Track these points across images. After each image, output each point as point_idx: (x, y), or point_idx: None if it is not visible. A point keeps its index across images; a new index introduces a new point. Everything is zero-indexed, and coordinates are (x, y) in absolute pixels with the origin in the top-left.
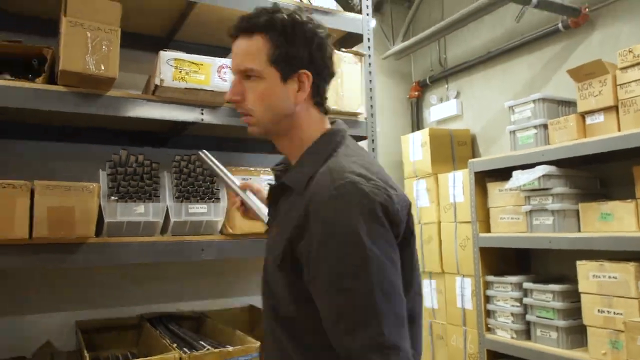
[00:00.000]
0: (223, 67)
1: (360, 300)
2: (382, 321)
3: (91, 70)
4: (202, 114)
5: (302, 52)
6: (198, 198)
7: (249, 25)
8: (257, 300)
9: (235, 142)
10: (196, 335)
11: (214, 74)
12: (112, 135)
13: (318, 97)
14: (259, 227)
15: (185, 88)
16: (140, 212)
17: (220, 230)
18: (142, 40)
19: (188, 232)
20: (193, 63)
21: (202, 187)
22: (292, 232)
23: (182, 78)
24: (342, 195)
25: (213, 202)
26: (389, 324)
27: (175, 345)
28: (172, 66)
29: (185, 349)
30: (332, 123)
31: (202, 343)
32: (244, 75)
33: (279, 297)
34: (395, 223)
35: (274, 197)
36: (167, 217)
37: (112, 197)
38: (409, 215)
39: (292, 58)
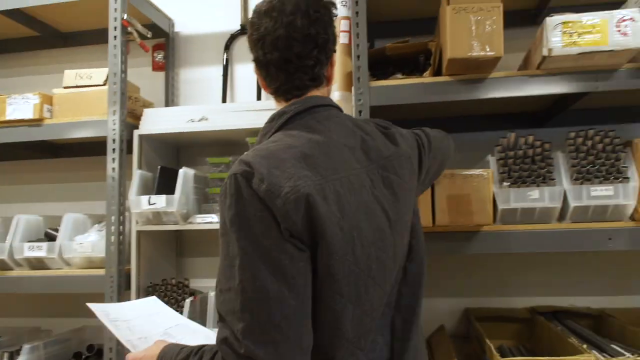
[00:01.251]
0: (624, 20)
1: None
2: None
3: (476, 53)
4: (597, 81)
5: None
6: (601, 178)
7: None
8: None
9: (637, 110)
10: (599, 335)
11: (613, 29)
12: (489, 121)
13: (269, 88)
14: None
15: (579, 53)
16: (535, 197)
17: (631, 216)
18: (508, 16)
19: (591, 218)
20: (586, 23)
21: (606, 166)
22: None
23: (573, 42)
24: (228, 186)
25: (620, 182)
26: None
27: (585, 346)
28: (561, 31)
29: (594, 351)
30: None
31: (614, 347)
32: None
33: None
34: (281, 215)
35: None
36: (565, 201)
37: (504, 183)
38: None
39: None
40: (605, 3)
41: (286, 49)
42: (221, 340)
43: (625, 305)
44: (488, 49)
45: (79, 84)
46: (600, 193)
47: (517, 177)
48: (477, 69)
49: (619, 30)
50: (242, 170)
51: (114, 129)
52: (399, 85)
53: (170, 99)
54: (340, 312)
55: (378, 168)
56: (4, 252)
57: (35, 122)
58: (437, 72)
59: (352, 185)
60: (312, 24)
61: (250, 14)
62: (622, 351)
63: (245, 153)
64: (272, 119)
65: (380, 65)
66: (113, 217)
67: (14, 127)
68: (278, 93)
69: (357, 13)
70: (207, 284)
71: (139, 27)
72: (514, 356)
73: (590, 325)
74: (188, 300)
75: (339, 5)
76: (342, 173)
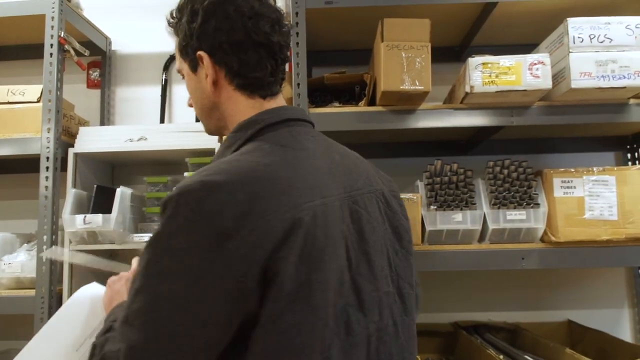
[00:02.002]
0: (535, 64)
1: None
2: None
3: (407, 87)
4: (512, 116)
5: (190, 30)
6: (515, 204)
7: (170, 27)
8: (575, 315)
9: (548, 143)
10: (514, 347)
11: (525, 72)
12: (418, 148)
13: (239, 78)
14: (588, 234)
15: (497, 91)
16: (459, 220)
17: (541, 238)
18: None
19: (506, 240)
20: (503, 65)
21: (519, 193)
22: None
23: (492, 82)
24: (166, 205)
25: (532, 207)
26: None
27: (501, 357)
28: (480, 71)
29: None
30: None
31: (527, 357)
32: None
33: None
34: (239, 249)
35: None
36: (484, 224)
37: (432, 206)
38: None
39: (185, 42)
40: (521, 45)
41: (282, 35)
42: None
43: (537, 319)
44: (417, 84)
45: (10, 100)
46: (515, 217)
47: (443, 201)
48: (407, 101)
49: (531, 73)
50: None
51: (47, 147)
52: (336, 113)
53: (105, 117)
54: None
55: (349, 198)
56: None
57: None
58: (371, 102)
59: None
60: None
61: None
62: None
63: (206, 167)
64: (240, 129)
65: (319, 93)
66: (45, 237)
67: None
68: (255, 86)
69: (297, 43)
70: None
71: (76, 44)
72: None
73: (507, 338)
74: None
75: None
76: (317, 200)
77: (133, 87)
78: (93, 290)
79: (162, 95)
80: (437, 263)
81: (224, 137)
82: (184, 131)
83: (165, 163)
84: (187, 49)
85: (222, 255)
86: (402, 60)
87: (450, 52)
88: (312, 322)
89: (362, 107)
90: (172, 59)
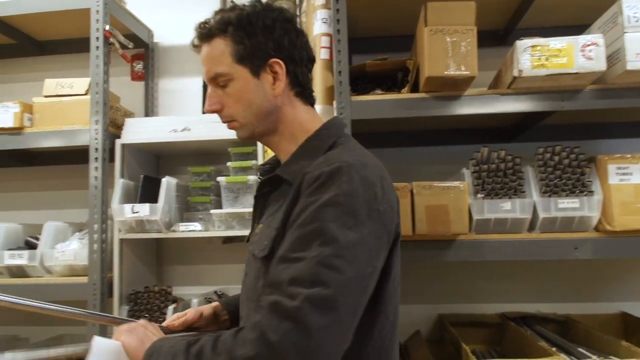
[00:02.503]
0: (587, 45)
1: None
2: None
3: (452, 72)
4: (563, 100)
5: (266, 41)
6: (568, 192)
7: (205, 32)
8: (630, 307)
9: (600, 128)
10: (565, 340)
11: (578, 54)
12: (462, 135)
13: (298, 87)
14: None
15: (547, 75)
16: (507, 208)
17: (595, 227)
18: (478, 37)
19: (558, 229)
20: (553, 47)
21: (572, 180)
22: (283, 220)
23: (542, 65)
24: (331, 173)
25: (585, 195)
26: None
27: (554, 349)
28: (529, 54)
29: (563, 354)
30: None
31: (581, 350)
32: (216, 82)
33: (258, 299)
34: (386, 214)
35: (262, 198)
36: (534, 212)
37: (479, 195)
38: (398, 217)
39: (257, 50)
40: (569, 26)
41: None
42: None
43: (588, 311)
44: (463, 69)
45: (59, 93)
46: (567, 205)
47: (491, 189)
48: (452, 87)
49: (584, 55)
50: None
51: (96, 138)
52: (379, 100)
53: (149, 109)
54: None
55: None
56: None
57: (16, 131)
58: (414, 89)
59: None
60: None
61: None
62: (589, 354)
63: (339, 152)
64: (326, 132)
65: (360, 81)
66: (96, 225)
67: None
68: (305, 94)
69: (338, 30)
70: (188, 291)
71: (121, 37)
72: (487, 359)
73: (557, 330)
74: (171, 307)
75: (319, 23)
76: None
77: (175, 79)
78: (103, 345)
79: (203, 86)
80: (485, 253)
81: (309, 134)
82: None
83: (208, 153)
84: (256, 55)
85: (379, 214)
86: (446, 44)
87: (494, 36)
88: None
89: (404, 94)
90: None
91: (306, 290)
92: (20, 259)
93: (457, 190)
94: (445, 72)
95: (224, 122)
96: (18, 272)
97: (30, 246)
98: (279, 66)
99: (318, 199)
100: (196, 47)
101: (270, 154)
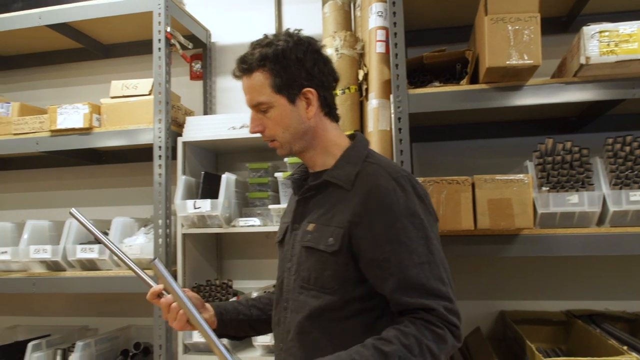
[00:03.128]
0: None
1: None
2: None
3: (514, 61)
4: (634, 87)
5: (299, 72)
6: None
7: (246, 67)
8: None
9: None
10: (636, 339)
11: None
12: (523, 127)
13: (327, 108)
14: None
15: (616, 62)
16: (574, 201)
17: None
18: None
19: (630, 223)
20: (623, 32)
21: None
22: (350, 220)
23: (611, 51)
24: (401, 185)
25: None
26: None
27: (625, 347)
28: (597, 40)
29: (634, 353)
30: (352, 136)
31: None
32: (257, 108)
33: (323, 286)
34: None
35: (304, 199)
36: (604, 206)
37: (544, 188)
38: None
39: (292, 81)
40: (636, 10)
41: None
42: (432, 309)
43: None
44: (526, 58)
45: (125, 94)
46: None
47: (556, 182)
48: (514, 77)
49: None
50: (407, 175)
51: (159, 137)
52: (437, 93)
53: (208, 107)
54: None
55: None
56: (57, 254)
57: (86, 131)
58: (473, 80)
59: None
60: None
61: (284, 24)
62: None
63: (385, 162)
64: (358, 150)
65: (417, 74)
66: (160, 221)
67: (65, 135)
68: (332, 113)
69: (395, 23)
70: (247, 285)
71: (181, 38)
72: (553, 357)
73: (627, 328)
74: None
75: (374, 16)
76: None
77: (231, 77)
78: None
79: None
80: (550, 248)
81: (342, 147)
82: None
83: (265, 149)
84: (291, 86)
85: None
86: (508, 33)
87: (557, 23)
88: None
89: (464, 86)
90: None
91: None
92: (91, 252)
93: (521, 183)
94: (507, 62)
95: (265, 140)
96: (89, 265)
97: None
98: (311, 93)
99: (400, 210)
100: (237, 78)
101: None
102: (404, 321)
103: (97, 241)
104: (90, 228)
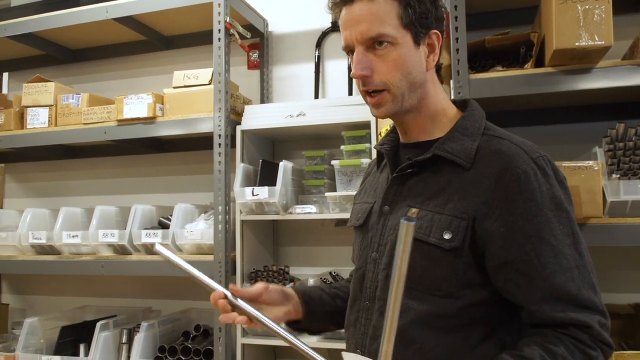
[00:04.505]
0: None
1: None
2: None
3: (584, 43)
4: None
5: (431, 8)
6: None
7: None
8: None
9: None
10: None
11: None
12: (591, 112)
13: (437, 62)
14: None
15: None
16: None
17: None
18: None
19: None
20: None
21: None
22: (475, 209)
23: None
24: (542, 168)
25: None
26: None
27: None
28: None
29: None
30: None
31: None
32: (370, 44)
33: (432, 288)
34: None
35: (400, 177)
36: None
37: (614, 175)
38: None
39: (423, 17)
40: None
41: None
42: (586, 326)
43: None
44: (597, 39)
45: (186, 84)
46: None
47: (628, 169)
48: (582, 59)
49: None
50: (546, 155)
51: (219, 125)
52: (500, 77)
53: (265, 96)
54: None
55: None
56: (124, 238)
57: (150, 120)
58: (538, 64)
59: None
60: None
61: None
62: None
63: (515, 137)
64: (475, 120)
65: (478, 58)
66: (220, 207)
67: (131, 124)
68: (439, 71)
69: (455, 7)
70: (302, 272)
71: (240, 28)
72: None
73: None
74: (289, 286)
75: None
76: None
77: (288, 66)
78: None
79: (315, 72)
80: (620, 238)
81: (447, 111)
82: (339, 105)
83: (321, 137)
84: (422, 23)
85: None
86: (577, 13)
87: (628, 2)
88: None
89: (529, 69)
90: (323, 35)
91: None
92: (155, 237)
93: (590, 171)
94: (577, 44)
95: (369, 90)
96: (153, 249)
97: (163, 226)
98: (437, 38)
99: (543, 201)
100: (342, 2)
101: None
102: (547, 336)
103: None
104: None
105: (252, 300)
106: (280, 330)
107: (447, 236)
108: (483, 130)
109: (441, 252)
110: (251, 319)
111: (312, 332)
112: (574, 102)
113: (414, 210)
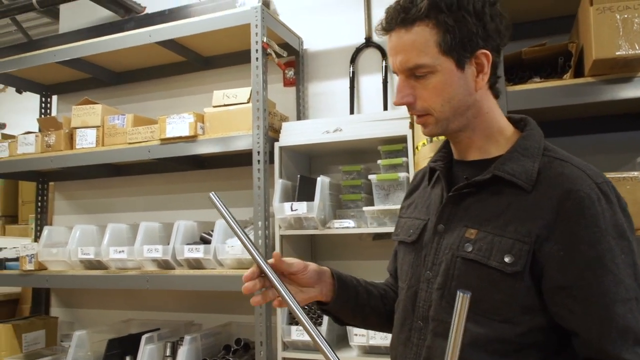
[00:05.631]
0: None
1: None
2: None
3: (624, 52)
4: None
5: (476, 29)
6: None
7: (407, 17)
8: None
9: None
10: None
11: None
12: (632, 120)
13: (494, 77)
14: None
15: None
16: None
17: None
18: None
19: None
20: None
21: None
22: (538, 233)
23: None
24: (606, 194)
25: None
26: None
27: None
28: None
29: None
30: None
31: None
32: (411, 73)
33: (489, 312)
34: None
35: (457, 197)
36: None
37: None
38: None
39: (466, 40)
40: None
41: None
42: None
43: None
44: (637, 47)
45: (226, 103)
46: None
47: None
48: (623, 68)
49: None
50: (609, 181)
51: (258, 142)
52: (539, 89)
53: (301, 112)
54: None
55: None
56: (167, 254)
57: (191, 139)
58: (577, 74)
59: None
60: None
61: (374, 28)
62: None
63: (576, 160)
64: (535, 140)
65: (515, 70)
66: (260, 222)
67: (173, 143)
68: (495, 86)
69: None
70: None
71: (276, 47)
72: None
73: None
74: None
75: None
76: None
77: (323, 82)
78: None
79: (350, 87)
80: None
81: (503, 129)
82: (375, 120)
83: (357, 152)
84: (464, 47)
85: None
86: (616, 22)
87: None
88: None
89: (568, 80)
90: (357, 51)
91: None
92: (197, 252)
93: (636, 181)
94: (617, 53)
95: (413, 114)
96: (195, 264)
97: (205, 241)
98: (486, 57)
99: (606, 227)
100: (385, 32)
101: (423, 152)
102: None
103: (226, 222)
104: (223, 212)
105: (289, 276)
106: (306, 321)
107: (508, 259)
108: (542, 150)
109: (501, 275)
110: (281, 299)
111: (336, 319)
112: (614, 111)
113: (472, 230)
